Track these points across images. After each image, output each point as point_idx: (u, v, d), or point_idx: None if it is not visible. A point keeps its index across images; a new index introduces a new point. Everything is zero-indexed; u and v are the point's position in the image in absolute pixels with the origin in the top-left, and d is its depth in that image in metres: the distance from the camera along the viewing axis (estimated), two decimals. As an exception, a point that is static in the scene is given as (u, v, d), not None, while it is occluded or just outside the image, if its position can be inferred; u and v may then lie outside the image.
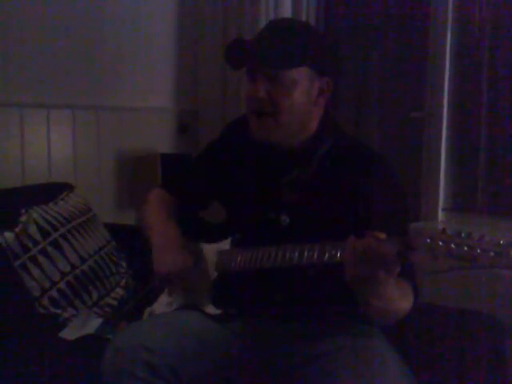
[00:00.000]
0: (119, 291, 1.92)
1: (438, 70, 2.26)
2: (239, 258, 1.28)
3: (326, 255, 1.10)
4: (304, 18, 2.44)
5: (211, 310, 1.30)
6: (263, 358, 1.28)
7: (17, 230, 1.73)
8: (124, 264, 2.03)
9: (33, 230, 1.76)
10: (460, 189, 2.30)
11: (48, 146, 2.27)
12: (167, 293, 1.42)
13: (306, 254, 1.13)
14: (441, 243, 0.89)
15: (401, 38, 2.46)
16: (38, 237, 1.76)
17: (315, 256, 1.12)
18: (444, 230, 0.90)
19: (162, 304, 1.40)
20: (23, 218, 1.77)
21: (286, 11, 2.46)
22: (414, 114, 2.35)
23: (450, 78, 2.26)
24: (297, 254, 1.15)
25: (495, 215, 2.18)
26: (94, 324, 1.69)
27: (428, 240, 0.91)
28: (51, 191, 2.01)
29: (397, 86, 2.49)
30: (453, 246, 0.88)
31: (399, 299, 1.10)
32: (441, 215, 2.30)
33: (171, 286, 1.39)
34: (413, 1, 2.40)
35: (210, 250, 1.38)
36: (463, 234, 0.88)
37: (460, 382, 1.43)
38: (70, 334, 1.66)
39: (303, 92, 1.23)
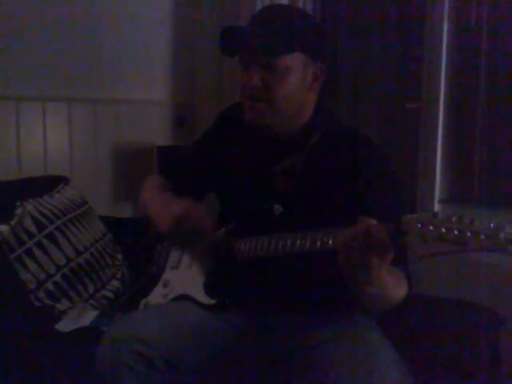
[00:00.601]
0: (115, 283, 1.92)
1: (435, 60, 2.24)
2: (233, 248, 1.28)
3: (318, 243, 1.10)
4: (301, 5, 2.42)
5: (206, 300, 1.30)
6: (259, 348, 1.28)
7: (12, 222, 1.73)
8: (120, 256, 2.03)
9: (28, 222, 1.76)
10: (456, 180, 2.29)
11: (44, 138, 2.27)
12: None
13: (298, 242, 1.13)
14: (431, 227, 0.89)
15: (397, 27, 2.45)
16: (33, 230, 1.76)
17: (307, 244, 1.11)
18: (435, 214, 0.90)
19: (157, 295, 1.40)
20: (18, 211, 1.77)
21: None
22: (410, 104, 2.34)
23: (446, 68, 2.24)
24: (289, 242, 1.15)
25: (492, 206, 2.17)
26: (89, 316, 1.70)
27: (418, 225, 0.91)
28: (47, 184, 2.00)
29: (393, 76, 2.48)
30: (443, 230, 0.88)
31: (393, 286, 1.10)
32: (437, 206, 2.30)
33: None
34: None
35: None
36: (454, 218, 0.88)
37: (456, 373, 1.44)
38: (65, 326, 1.66)
39: (297, 78, 1.23)
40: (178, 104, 2.74)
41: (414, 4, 2.37)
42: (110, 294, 1.88)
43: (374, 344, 1.14)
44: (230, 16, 2.51)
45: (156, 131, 2.65)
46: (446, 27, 2.21)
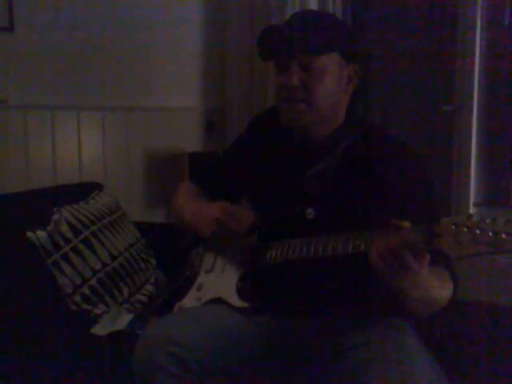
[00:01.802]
0: (149, 288, 1.95)
1: (468, 63, 2.21)
2: (265, 252, 1.29)
3: (350, 246, 1.09)
4: (331, 10, 2.42)
5: (238, 303, 1.31)
6: (290, 352, 1.28)
7: (49, 228, 1.76)
8: (153, 261, 2.06)
9: (64, 228, 1.80)
10: (492, 183, 2.25)
11: (79, 146, 2.32)
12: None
13: (330, 245, 1.13)
14: (465, 229, 0.89)
15: (430, 30, 2.43)
16: (69, 235, 1.80)
17: (339, 247, 1.11)
18: (469, 216, 0.90)
19: (191, 299, 1.41)
20: (55, 217, 1.80)
21: (313, 4, 2.44)
22: (444, 107, 2.32)
23: (480, 71, 2.22)
24: (321, 246, 1.15)
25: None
26: (124, 320, 1.72)
27: (453, 226, 0.90)
28: (82, 191, 2.05)
29: (427, 79, 2.46)
30: (477, 231, 0.88)
31: (438, 287, 1.09)
32: (472, 210, 2.26)
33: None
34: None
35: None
36: (488, 220, 0.88)
37: (490, 377, 1.41)
38: (101, 329, 1.68)
39: (334, 79, 1.25)
40: (208, 110, 2.76)
41: (447, 6, 2.35)
42: (144, 298, 1.90)
43: (409, 348, 1.13)
44: (260, 21, 2.52)
45: (187, 137, 2.68)
46: (478, 29, 2.18)
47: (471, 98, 2.21)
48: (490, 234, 0.86)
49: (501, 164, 2.21)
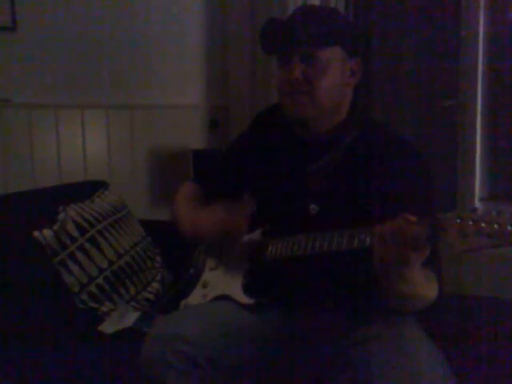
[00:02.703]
0: (155, 285, 1.95)
1: (471, 58, 2.21)
2: (271, 248, 1.29)
3: (356, 241, 1.10)
4: (333, 5, 2.42)
5: (244, 299, 1.31)
6: (298, 347, 1.28)
7: (55, 227, 1.77)
8: (159, 259, 2.06)
9: (70, 227, 1.80)
10: (497, 177, 2.25)
11: (83, 145, 2.32)
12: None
13: (335, 240, 1.13)
14: (470, 222, 0.89)
15: (433, 25, 2.42)
16: (75, 234, 1.80)
17: (344, 242, 1.12)
18: (474, 209, 0.90)
19: (197, 296, 1.41)
20: (61, 216, 1.81)
21: (315, 1, 2.44)
22: (447, 102, 2.31)
23: (483, 66, 2.21)
24: (327, 241, 1.15)
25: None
26: (131, 317, 1.73)
27: (458, 220, 0.90)
28: (87, 189, 2.05)
29: (430, 74, 2.45)
30: (483, 224, 0.88)
31: (425, 286, 1.10)
32: (478, 205, 2.26)
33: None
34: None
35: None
36: (493, 213, 0.88)
37: (496, 372, 1.41)
38: (108, 327, 1.69)
39: (337, 72, 1.25)
40: (212, 107, 2.76)
41: (449, 1, 2.34)
42: (150, 296, 1.91)
43: (417, 343, 1.13)
44: (261, 17, 2.52)
45: (191, 134, 2.68)
46: (481, 24, 2.18)
47: (475, 92, 2.21)
48: (496, 226, 0.87)
49: (505, 158, 2.21)
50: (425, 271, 1.09)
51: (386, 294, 1.11)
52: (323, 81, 1.23)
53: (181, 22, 2.58)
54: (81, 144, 2.31)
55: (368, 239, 1.08)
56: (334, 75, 1.24)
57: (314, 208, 1.28)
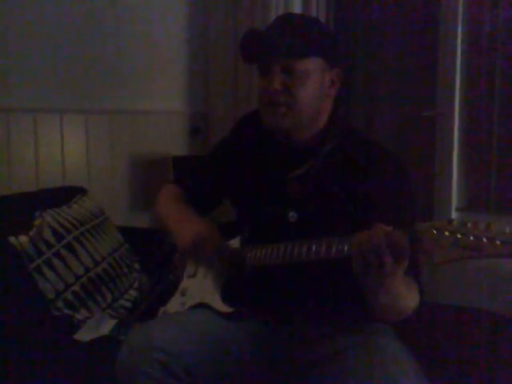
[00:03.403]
0: (132, 293, 1.93)
1: (450, 69, 2.24)
2: (249, 256, 1.29)
3: (333, 250, 1.10)
4: (314, 14, 2.44)
5: (223, 308, 1.31)
6: (276, 357, 1.28)
7: (31, 233, 1.75)
8: (137, 266, 2.05)
9: (47, 233, 1.78)
10: (473, 188, 2.28)
11: (61, 150, 2.30)
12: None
13: (313, 249, 1.13)
14: (447, 233, 0.90)
15: (411, 36, 2.46)
16: (52, 240, 1.78)
17: (322, 251, 1.12)
18: (450, 220, 0.90)
19: (175, 304, 1.40)
20: (37, 222, 1.79)
21: (297, 4, 2.47)
22: (425, 112, 2.34)
23: (461, 77, 2.24)
24: (305, 249, 1.15)
25: (510, 214, 2.16)
26: (108, 325, 1.71)
27: (434, 231, 0.91)
28: (65, 195, 2.03)
29: (409, 84, 2.48)
30: (459, 235, 0.89)
31: (406, 296, 1.10)
32: (454, 214, 2.29)
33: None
34: (423, -1, 2.40)
35: None
36: (469, 224, 0.88)
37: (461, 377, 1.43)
38: (84, 335, 1.67)
39: (316, 83, 1.25)
40: (193, 113, 2.76)
41: (428, 11, 2.38)
42: (127, 304, 1.89)
43: (394, 353, 1.13)
44: (243, 25, 2.53)
45: (171, 141, 2.67)
46: (459, 35, 2.21)
47: (453, 103, 2.24)
48: (472, 238, 0.87)
49: (482, 169, 2.24)
50: (407, 281, 1.09)
51: (369, 304, 1.11)
52: (302, 92, 1.23)
53: (163, 29, 2.58)
54: (59, 149, 2.29)
55: (346, 248, 1.08)
56: (314, 86, 1.24)
57: (293, 216, 1.28)
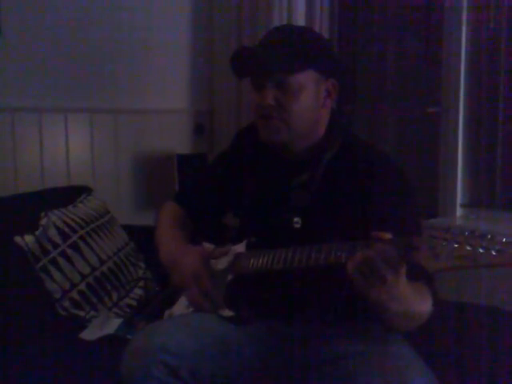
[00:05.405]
0: (138, 292, 1.95)
1: (454, 65, 2.23)
2: (252, 261, 1.29)
3: (332, 257, 1.10)
4: (318, 18, 2.43)
5: (226, 312, 1.31)
6: (281, 361, 1.28)
7: (37, 233, 1.76)
8: (142, 265, 2.06)
9: (53, 232, 1.79)
10: (478, 184, 2.27)
11: (66, 149, 2.31)
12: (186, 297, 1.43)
13: (313, 255, 1.14)
14: (443, 243, 0.89)
15: (416, 33, 2.45)
16: (57, 239, 1.79)
17: (322, 258, 1.12)
18: (448, 228, 0.90)
19: (181, 306, 1.41)
20: (43, 222, 1.80)
21: (300, 12, 2.45)
22: (430, 109, 2.33)
23: (465, 72, 2.23)
24: (305, 255, 1.15)
25: (515, 210, 2.15)
26: (113, 324, 1.72)
27: (431, 239, 0.91)
28: (70, 194, 2.04)
29: (413, 81, 2.47)
30: (455, 245, 0.88)
31: (418, 302, 1.09)
32: (459, 211, 2.28)
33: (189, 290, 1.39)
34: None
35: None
36: (466, 233, 0.88)
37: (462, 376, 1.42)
38: (90, 334, 1.68)
39: (311, 96, 1.24)
40: (197, 112, 2.76)
41: (433, 8, 2.36)
42: (133, 302, 1.90)
43: (404, 357, 1.14)
44: (247, 23, 2.53)
45: (175, 139, 2.68)
46: (464, 31, 2.20)
47: (457, 99, 2.23)
48: (468, 248, 0.87)
49: (487, 165, 2.23)
50: (416, 286, 1.08)
51: (382, 317, 1.09)
52: (296, 106, 1.22)
53: (166, 27, 2.58)
54: (64, 148, 2.30)
55: (343, 256, 1.07)
56: (308, 99, 1.23)
57: (297, 222, 1.28)
